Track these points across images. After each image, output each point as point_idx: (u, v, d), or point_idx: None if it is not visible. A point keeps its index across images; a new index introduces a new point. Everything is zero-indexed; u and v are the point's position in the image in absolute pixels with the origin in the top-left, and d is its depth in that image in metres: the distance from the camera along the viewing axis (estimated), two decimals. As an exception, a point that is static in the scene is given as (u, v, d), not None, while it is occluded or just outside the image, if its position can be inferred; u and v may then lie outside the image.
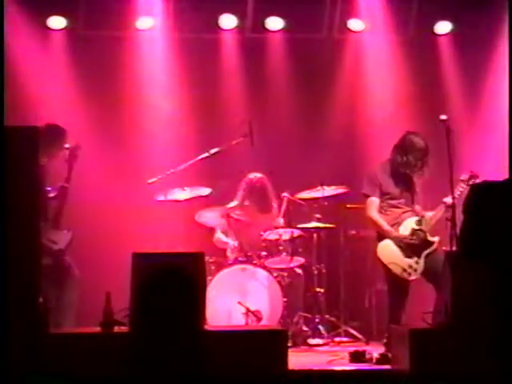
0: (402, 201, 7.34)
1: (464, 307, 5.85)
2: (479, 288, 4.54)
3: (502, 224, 4.38)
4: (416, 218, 7.28)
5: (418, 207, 7.38)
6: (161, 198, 8.17)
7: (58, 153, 7.54)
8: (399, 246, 7.21)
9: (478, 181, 6.95)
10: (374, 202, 7.31)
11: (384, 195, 7.33)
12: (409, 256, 7.19)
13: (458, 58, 9.39)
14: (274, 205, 8.53)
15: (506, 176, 6.60)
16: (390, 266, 7.20)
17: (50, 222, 7.36)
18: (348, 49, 9.48)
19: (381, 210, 7.32)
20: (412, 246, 7.20)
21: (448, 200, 7.04)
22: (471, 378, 5.19)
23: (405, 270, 7.18)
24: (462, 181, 7.20)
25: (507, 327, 4.29)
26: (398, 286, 7.23)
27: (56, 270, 7.26)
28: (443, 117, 6.99)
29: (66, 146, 7.59)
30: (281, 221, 8.43)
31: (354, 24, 9.35)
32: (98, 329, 5.91)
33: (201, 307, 3.42)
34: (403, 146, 7.30)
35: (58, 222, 7.45)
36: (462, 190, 7.10)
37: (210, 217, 8.35)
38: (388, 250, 7.24)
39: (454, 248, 6.55)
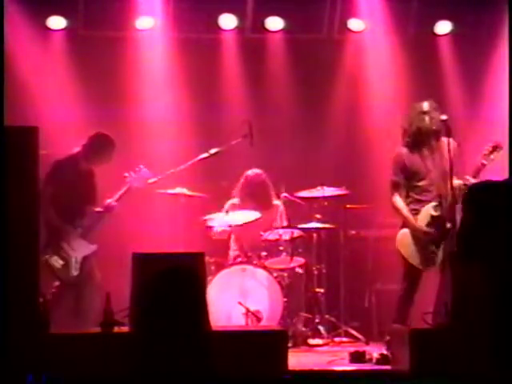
0: (427, 182, 7.04)
1: (464, 307, 5.85)
2: (479, 288, 4.54)
3: (501, 224, 4.38)
4: (433, 204, 6.99)
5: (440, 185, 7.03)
6: (160, 190, 8.19)
7: (104, 161, 7.89)
8: (417, 238, 6.96)
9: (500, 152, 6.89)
10: (397, 185, 7.07)
11: (408, 175, 7.05)
12: (426, 248, 6.96)
13: (458, 59, 9.39)
14: (275, 201, 8.51)
15: (506, 176, 6.64)
16: (410, 260, 6.97)
17: (81, 230, 7.47)
18: (348, 49, 9.48)
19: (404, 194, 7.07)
20: (430, 238, 6.97)
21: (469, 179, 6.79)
22: (471, 378, 5.19)
23: (422, 262, 6.96)
24: (485, 155, 6.94)
25: (507, 327, 4.29)
26: (412, 278, 7.01)
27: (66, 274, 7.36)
28: (443, 117, 6.99)
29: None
30: (284, 224, 8.39)
31: (354, 24, 9.35)
32: (98, 329, 5.92)
33: (203, 307, 3.41)
34: (416, 114, 7.10)
35: (87, 234, 7.68)
36: (485, 162, 6.88)
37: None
38: (406, 241, 7.02)
39: (454, 248, 6.54)
